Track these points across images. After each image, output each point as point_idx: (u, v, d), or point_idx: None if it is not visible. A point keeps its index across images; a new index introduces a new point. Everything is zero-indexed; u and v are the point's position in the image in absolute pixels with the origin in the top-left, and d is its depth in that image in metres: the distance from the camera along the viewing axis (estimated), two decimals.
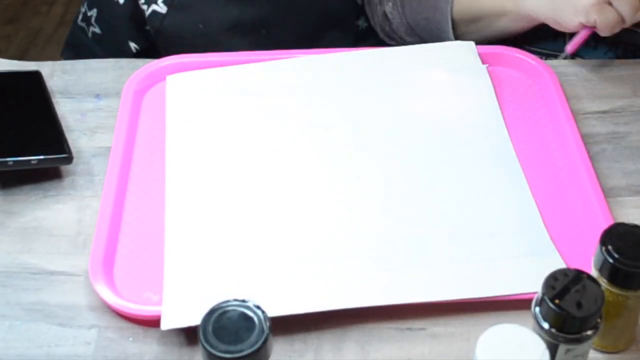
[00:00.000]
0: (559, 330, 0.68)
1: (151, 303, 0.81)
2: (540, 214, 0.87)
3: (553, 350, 0.69)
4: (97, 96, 1.04)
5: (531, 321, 0.70)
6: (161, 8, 1.19)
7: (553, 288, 0.68)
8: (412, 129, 0.96)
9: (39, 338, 0.80)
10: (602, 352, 0.78)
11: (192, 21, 1.20)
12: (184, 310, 0.79)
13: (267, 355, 0.64)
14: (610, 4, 0.97)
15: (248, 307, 0.65)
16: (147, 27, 1.21)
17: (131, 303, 0.80)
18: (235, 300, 0.65)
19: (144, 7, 1.19)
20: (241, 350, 0.62)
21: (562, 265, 0.82)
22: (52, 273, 0.85)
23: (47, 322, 0.81)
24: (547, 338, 0.68)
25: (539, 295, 0.69)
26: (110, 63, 1.09)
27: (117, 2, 1.20)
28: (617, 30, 0.98)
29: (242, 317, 0.64)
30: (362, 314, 0.80)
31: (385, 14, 1.17)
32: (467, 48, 1.05)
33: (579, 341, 0.69)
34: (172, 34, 1.21)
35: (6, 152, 0.90)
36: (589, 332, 0.68)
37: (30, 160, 0.90)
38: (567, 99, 0.99)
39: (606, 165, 0.94)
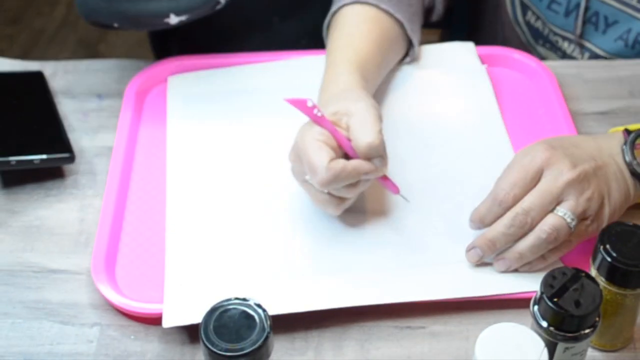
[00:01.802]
0: (558, 328, 0.69)
1: (153, 301, 0.81)
2: None
3: (552, 348, 0.69)
4: (99, 96, 1.04)
5: (530, 320, 0.70)
6: None
7: (551, 287, 0.68)
8: (411, 130, 0.97)
9: (41, 336, 0.80)
10: (600, 350, 0.78)
11: None
12: (185, 308, 0.79)
13: (268, 354, 0.64)
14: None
15: (249, 306, 0.65)
16: None
17: (133, 301, 0.81)
18: (237, 298, 0.65)
19: None
20: (242, 349, 0.63)
21: (561, 264, 0.82)
22: (55, 271, 0.86)
23: (49, 320, 0.82)
24: (546, 336, 0.69)
25: (537, 293, 0.70)
26: (113, 63, 1.09)
27: None
28: None
29: (243, 316, 0.64)
30: (362, 313, 0.80)
31: None
32: (466, 49, 1.06)
33: (577, 339, 0.69)
34: None
35: (9, 152, 0.91)
36: (587, 331, 0.69)
37: (32, 159, 0.91)
38: (566, 100, 1.00)
39: None
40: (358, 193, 0.83)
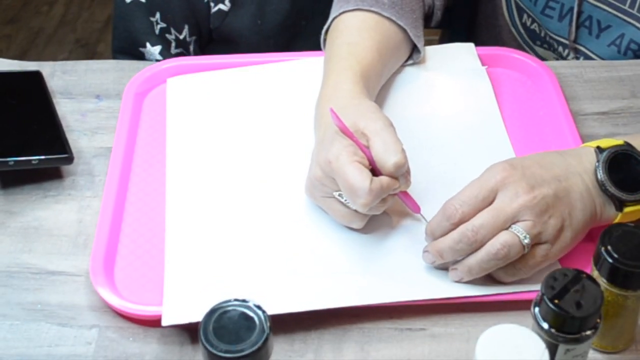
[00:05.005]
0: (559, 330, 0.68)
1: (151, 303, 0.81)
2: None
3: (553, 350, 0.69)
4: (98, 97, 1.04)
5: (531, 321, 0.70)
6: (225, 6, 1.20)
7: (552, 288, 0.68)
8: (411, 131, 0.96)
9: (40, 338, 0.80)
10: (602, 352, 0.78)
11: (252, 17, 1.21)
12: (184, 306, 0.79)
13: (267, 355, 0.64)
14: None
15: (248, 307, 0.65)
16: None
17: (132, 303, 0.81)
18: (236, 300, 0.65)
19: (211, 4, 1.20)
20: (242, 350, 0.62)
21: (559, 266, 0.82)
22: (53, 273, 0.85)
23: (47, 322, 0.81)
24: (547, 338, 0.69)
25: (538, 295, 0.69)
26: (111, 64, 1.09)
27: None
28: None
29: (242, 317, 0.64)
30: (362, 315, 0.80)
31: None
32: (466, 50, 1.06)
33: (578, 341, 0.69)
34: (231, 31, 1.22)
35: (7, 152, 0.90)
36: (589, 332, 0.69)
37: (30, 160, 0.91)
38: (567, 100, 1.00)
39: None
40: (382, 210, 0.83)
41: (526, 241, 0.78)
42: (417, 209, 0.86)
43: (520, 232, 0.77)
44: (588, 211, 0.81)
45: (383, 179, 0.81)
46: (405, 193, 0.85)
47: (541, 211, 0.78)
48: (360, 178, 0.79)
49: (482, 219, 0.78)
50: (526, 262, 0.79)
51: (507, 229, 0.78)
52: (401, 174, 0.82)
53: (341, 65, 0.93)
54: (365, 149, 0.82)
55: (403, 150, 0.81)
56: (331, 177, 0.82)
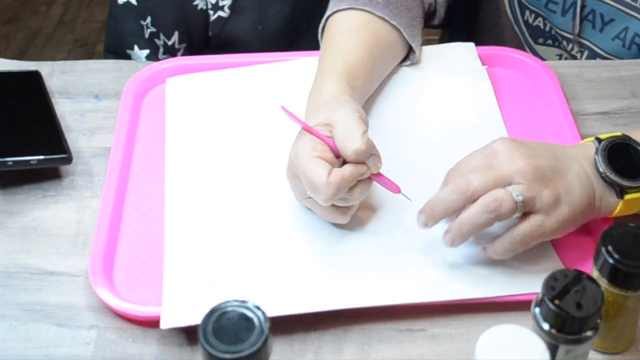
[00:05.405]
0: (559, 331, 0.68)
1: (151, 304, 0.81)
2: None
3: (553, 351, 0.69)
4: (97, 97, 1.04)
5: (531, 322, 0.70)
6: (225, 13, 1.20)
7: (553, 289, 0.68)
8: (412, 131, 0.96)
9: (38, 338, 0.80)
10: (602, 352, 0.78)
11: (251, 23, 1.21)
12: (183, 309, 0.79)
13: (266, 356, 0.64)
14: None
15: (248, 308, 0.65)
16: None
17: (131, 304, 0.80)
18: (235, 300, 0.65)
19: (210, 12, 1.20)
20: (241, 351, 0.62)
21: (562, 266, 0.82)
22: (52, 273, 0.85)
23: (46, 323, 0.81)
24: (547, 339, 0.69)
25: (538, 295, 0.69)
26: (110, 64, 1.09)
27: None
28: None
29: (241, 318, 0.64)
30: (361, 315, 0.80)
31: None
32: (466, 49, 1.05)
33: (578, 342, 0.69)
34: (230, 37, 1.22)
35: (6, 152, 0.90)
36: (589, 333, 0.68)
37: (29, 160, 0.90)
38: (567, 100, 1.00)
39: None
40: (361, 198, 0.83)
41: (519, 198, 0.77)
42: (396, 189, 0.85)
43: (514, 190, 0.78)
44: (587, 192, 0.81)
45: (345, 169, 0.80)
46: (379, 175, 0.84)
47: (535, 178, 0.78)
48: (316, 172, 0.78)
49: (477, 174, 0.79)
50: (521, 231, 0.78)
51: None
52: (365, 158, 0.81)
53: (325, 67, 0.93)
54: (328, 140, 0.81)
55: (364, 134, 0.80)
56: (298, 179, 0.82)
